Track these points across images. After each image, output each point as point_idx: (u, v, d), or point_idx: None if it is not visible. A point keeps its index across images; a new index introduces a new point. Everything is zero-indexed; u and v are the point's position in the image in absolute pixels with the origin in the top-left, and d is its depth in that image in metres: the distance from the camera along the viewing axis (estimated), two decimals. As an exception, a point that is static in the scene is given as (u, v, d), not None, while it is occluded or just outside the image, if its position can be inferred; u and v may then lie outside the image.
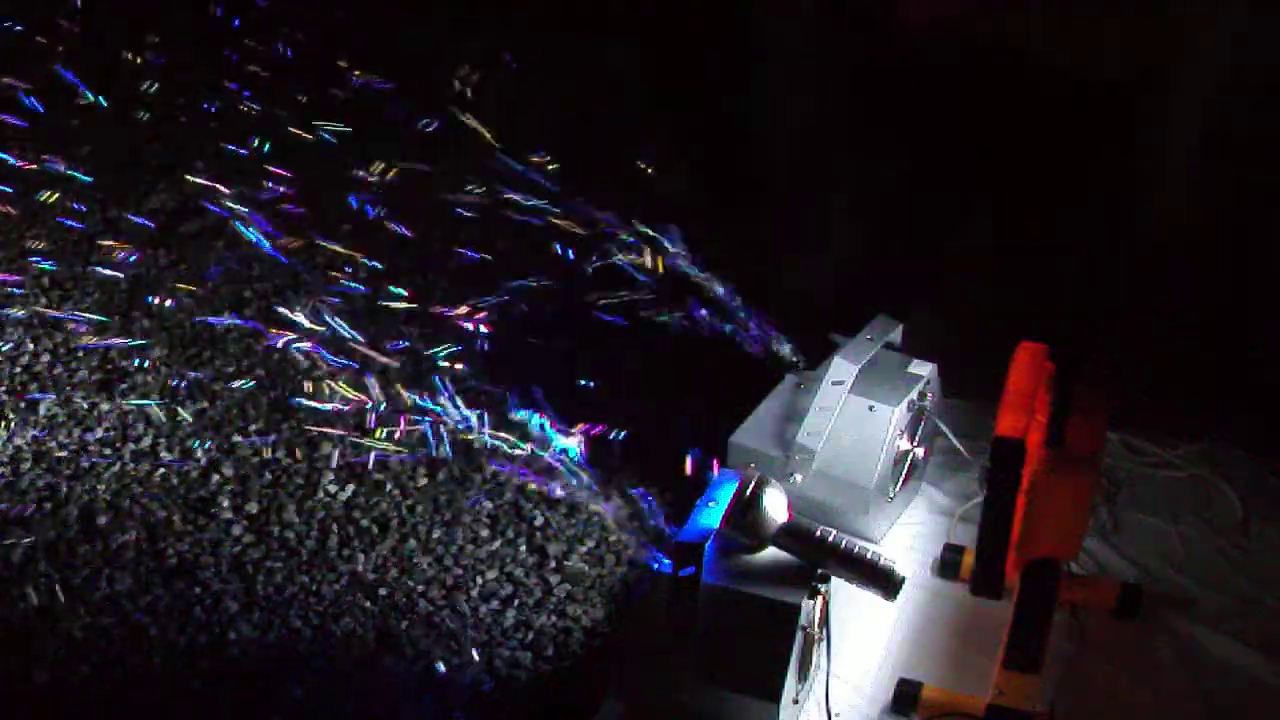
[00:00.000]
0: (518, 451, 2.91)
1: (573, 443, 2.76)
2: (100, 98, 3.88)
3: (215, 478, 2.93)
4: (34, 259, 3.58)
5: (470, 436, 2.97)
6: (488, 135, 3.39)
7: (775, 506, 2.35)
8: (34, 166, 3.78)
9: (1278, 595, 2.65)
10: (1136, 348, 3.06)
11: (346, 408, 3.09)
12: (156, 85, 4.07)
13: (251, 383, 3.20)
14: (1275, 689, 2.46)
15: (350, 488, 2.92)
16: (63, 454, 2.98)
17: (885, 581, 2.30)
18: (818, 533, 2.33)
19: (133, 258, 3.56)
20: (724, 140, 3.98)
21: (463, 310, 3.28)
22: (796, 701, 2.37)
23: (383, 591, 2.69)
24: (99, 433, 3.04)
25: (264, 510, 2.86)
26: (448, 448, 3.00)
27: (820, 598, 2.32)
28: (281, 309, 3.35)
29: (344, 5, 4.13)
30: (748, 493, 2.33)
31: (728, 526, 2.31)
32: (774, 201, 3.81)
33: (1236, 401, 3.04)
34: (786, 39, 3.78)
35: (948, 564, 2.69)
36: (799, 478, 2.66)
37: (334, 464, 2.95)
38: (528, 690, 2.51)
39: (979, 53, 3.60)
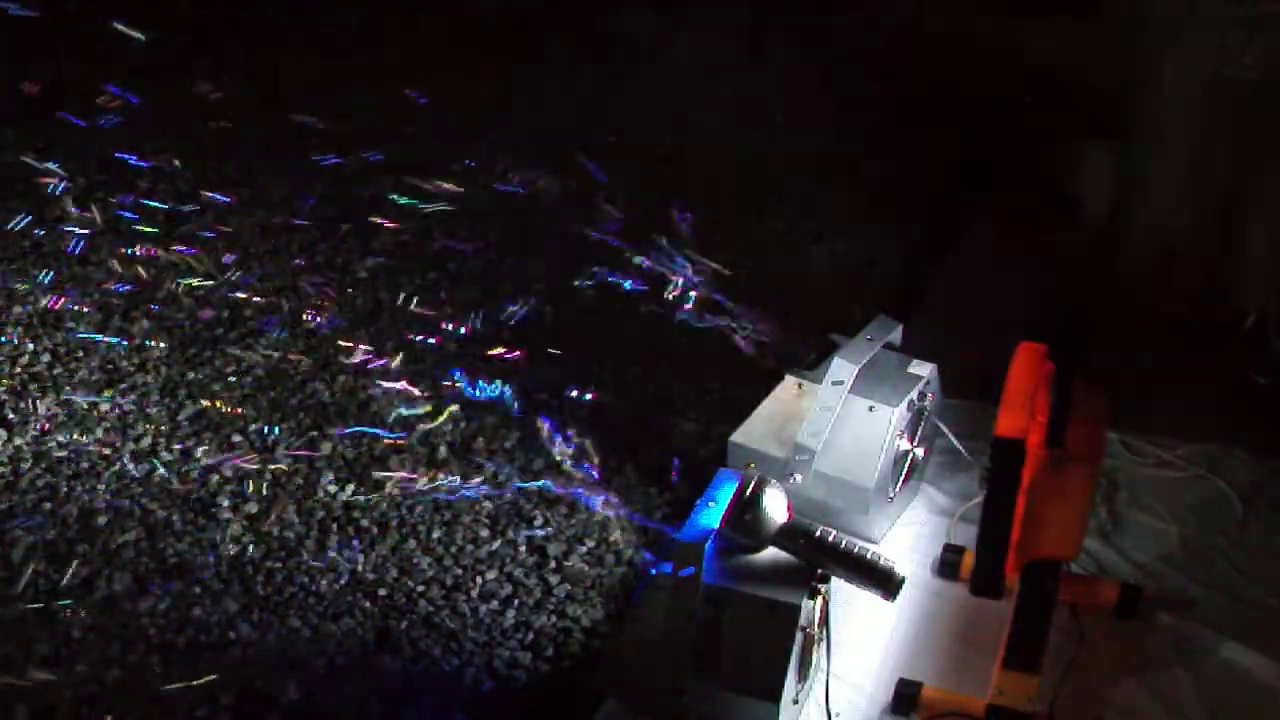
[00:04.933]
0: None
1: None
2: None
3: (215, 478, 2.93)
4: (35, 259, 3.59)
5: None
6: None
7: (775, 506, 2.34)
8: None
9: (1278, 595, 2.65)
10: (1134, 348, 3.07)
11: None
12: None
13: (251, 382, 3.20)
14: (1275, 689, 2.46)
15: (350, 488, 2.92)
16: (63, 454, 2.98)
17: (885, 581, 2.30)
18: (818, 533, 2.32)
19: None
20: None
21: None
22: (796, 701, 2.37)
23: (383, 591, 2.69)
24: (99, 433, 3.04)
25: (264, 510, 2.86)
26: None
27: (820, 598, 2.32)
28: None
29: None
30: (748, 493, 2.33)
31: (728, 526, 2.31)
32: (776, 202, 3.82)
33: (1236, 401, 3.04)
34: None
35: (948, 564, 2.69)
36: (799, 478, 2.66)
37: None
38: (528, 690, 2.51)
39: (980, 53, 3.61)
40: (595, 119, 4.05)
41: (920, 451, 2.82)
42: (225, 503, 2.87)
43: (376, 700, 2.46)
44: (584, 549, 2.79)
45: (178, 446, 3.01)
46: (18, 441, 3.01)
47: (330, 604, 2.65)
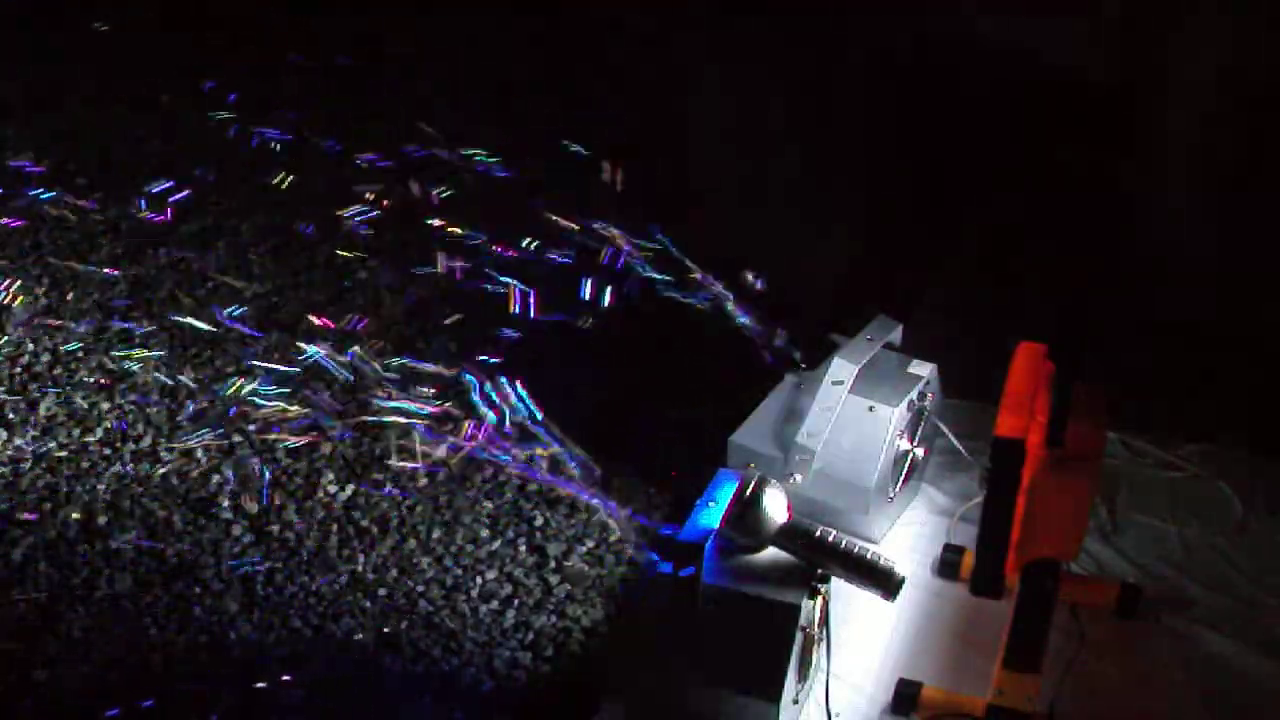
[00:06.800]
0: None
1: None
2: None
3: (215, 478, 2.93)
4: (35, 259, 3.59)
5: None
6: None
7: (775, 506, 2.34)
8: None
9: (1278, 595, 2.65)
10: (1135, 348, 3.06)
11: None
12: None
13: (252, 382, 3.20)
14: (1275, 689, 2.46)
15: (350, 488, 2.92)
16: (63, 454, 2.98)
17: (885, 581, 2.30)
18: (818, 533, 2.32)
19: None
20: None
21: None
22: (796, 701, 2.37)
23: (383, 591, 2.69)
24: (99, 433, 3.04)
25: (264, 510, 2.86)
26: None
27: (820, 598, 2.32)
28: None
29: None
30: (748, 493, 2.33)
31: (728, 526, 2.31)
32: (775, 201, 3.81)
33: (1236, 401, 3.04)
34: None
35: (948, 564, 2.69)
36: (799, 478, 2.66)
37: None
38: (528, 690, 2.51)
39: (980, 53, 3.60)
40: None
41: (920, 451, 2.82)
42: (225, 503, 2.87)
43: (376, 700, 2.46)
44: (584, 549, 2.80)
45: (178, 446, 3.01)
46: (18, 441, 3.01)
47: (330, 604, 2.66)
